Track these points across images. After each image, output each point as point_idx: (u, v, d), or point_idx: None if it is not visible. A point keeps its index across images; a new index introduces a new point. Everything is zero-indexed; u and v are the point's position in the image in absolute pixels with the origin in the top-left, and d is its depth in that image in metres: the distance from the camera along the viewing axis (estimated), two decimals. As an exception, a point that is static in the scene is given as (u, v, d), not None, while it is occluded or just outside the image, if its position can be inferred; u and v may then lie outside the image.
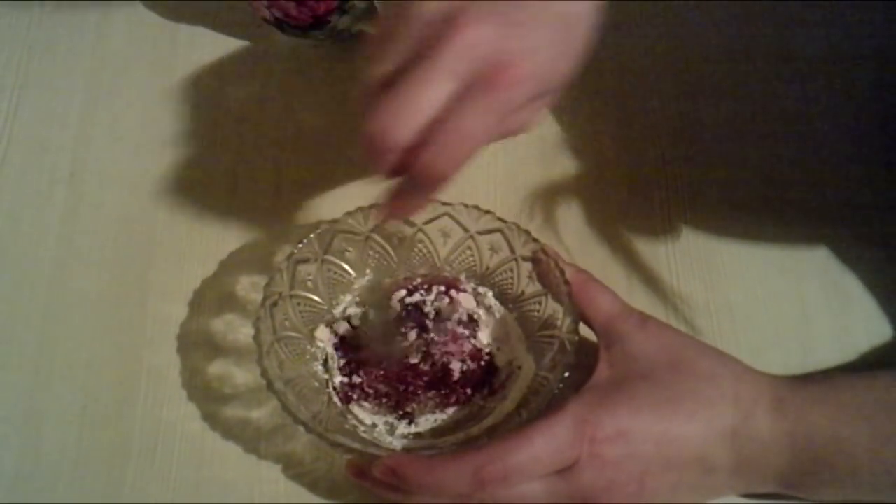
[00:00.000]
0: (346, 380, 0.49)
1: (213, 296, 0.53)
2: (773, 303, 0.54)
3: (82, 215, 0.56)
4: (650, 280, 0.54)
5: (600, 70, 0.62)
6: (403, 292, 0.51)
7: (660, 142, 0.59)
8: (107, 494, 0.47)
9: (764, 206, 0.57)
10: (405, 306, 0.50)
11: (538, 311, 0.49)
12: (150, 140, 0.59)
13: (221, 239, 0.55)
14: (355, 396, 0.49)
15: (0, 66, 0.62)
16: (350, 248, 0.50)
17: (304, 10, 0.55)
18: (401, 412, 0.48)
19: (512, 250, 0.49)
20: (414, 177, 0.39)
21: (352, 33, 0.59)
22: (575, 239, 0.55)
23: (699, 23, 0.64)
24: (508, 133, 0.41)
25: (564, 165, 0.58)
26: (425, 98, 0.37)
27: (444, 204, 0.50)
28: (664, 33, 0.63)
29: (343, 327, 0.51)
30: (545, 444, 0.41)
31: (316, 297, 0.50)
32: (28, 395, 0.50)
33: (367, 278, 0.52)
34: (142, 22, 0.63)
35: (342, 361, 0.50)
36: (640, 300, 0.52)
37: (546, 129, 0.60)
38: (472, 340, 0.50)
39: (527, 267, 0.49)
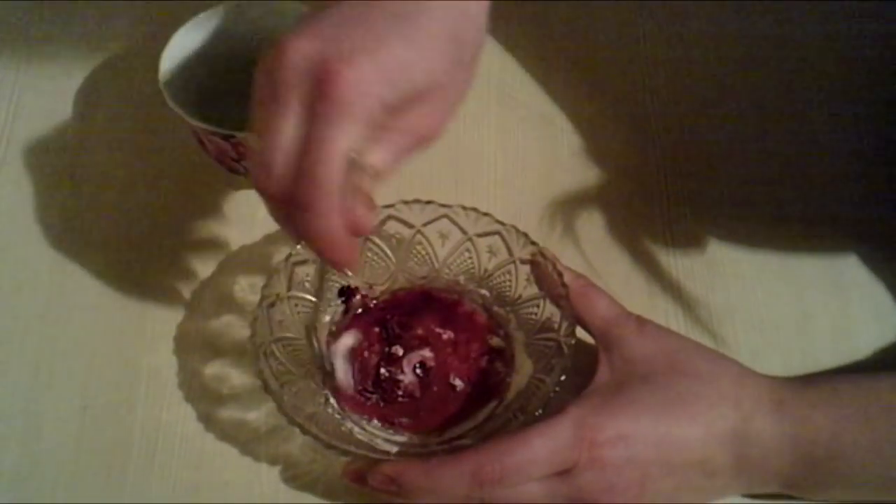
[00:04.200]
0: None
1: (211, 297, 0.53)
2: (773, 304, 0.53)
3: (82, 215, 0.56)
4: (649, 281, 0.54)
5: (599, 74, 0.62)
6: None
7: (660, 144, 0.59)
8: (107, 494, 0.47)
9: (763, 207, 0.57)
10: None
11: (536, 314, 0.49)
12: (149, 140, 0.59)
13: (220, 240, 0.55)
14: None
15: (0, 66, 0.62)
16: (348, 250, 0.50)
17: None
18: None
19: (510, 253, 0.49)
20: (293, 214, 0.37)
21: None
22: (573, 239, 0.55)
23: (701, 24, 0.64)
24: (409, 146, 0.39)
25: (563, 167, 0.58)
26: (274, 134, 0.36)
27: (443, 206, 0.50)
28: (666, 36, 0.63)
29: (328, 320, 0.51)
30: (543, 446, 0.41)
31: (314, 299, 0.50)
32: (28, 395, 0.50)
33: (364, 280, 0.52)
34: (142, 22, 0.63)
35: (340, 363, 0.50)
36: (640, 303, 0.52)
37: (545, 130, 0.60)
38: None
39: (525, 270, 0.49)
